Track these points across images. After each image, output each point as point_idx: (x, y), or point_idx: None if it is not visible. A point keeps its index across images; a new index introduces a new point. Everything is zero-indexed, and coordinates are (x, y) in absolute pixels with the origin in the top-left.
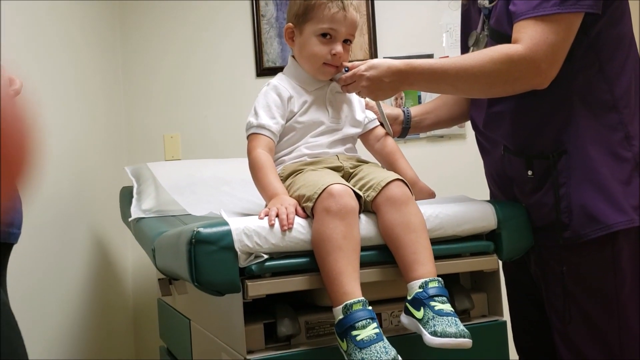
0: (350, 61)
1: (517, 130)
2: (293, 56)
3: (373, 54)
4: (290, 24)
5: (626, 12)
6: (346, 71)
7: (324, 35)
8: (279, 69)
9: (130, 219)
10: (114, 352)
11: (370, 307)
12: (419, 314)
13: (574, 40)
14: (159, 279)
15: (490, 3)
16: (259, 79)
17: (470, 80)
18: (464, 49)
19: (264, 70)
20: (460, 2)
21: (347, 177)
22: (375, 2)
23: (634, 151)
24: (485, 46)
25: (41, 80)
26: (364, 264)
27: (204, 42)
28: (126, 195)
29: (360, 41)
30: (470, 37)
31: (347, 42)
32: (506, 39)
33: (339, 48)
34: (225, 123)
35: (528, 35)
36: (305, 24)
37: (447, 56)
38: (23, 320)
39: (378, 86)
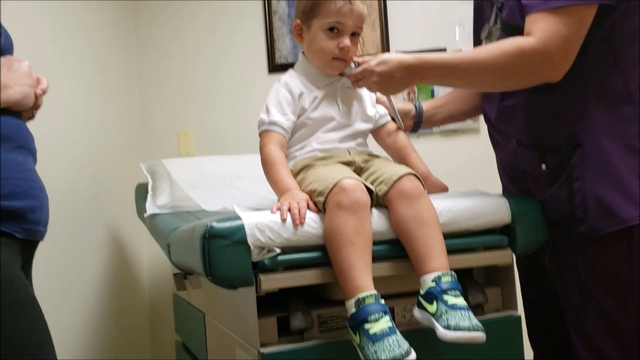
0: (360, 56)
1: (530, 124)
2: (303, 52)
3: (385, 48)
4: (299, 21)
5: None
6: (356, 66)
7: (331, 29)
8: (291, 66)
9: (145, 215)
10: (131, 346)
11: (382, 301)
12: (432, 308)
13: (587, 32)
14: (173, 274)
15: None
16: (271, 76)
17: (482, 74)
18: (477, 43)
19: (276, 67)
20: None
21: (359, 171)
22: None
23: None
24: (498, 39)
25: (59, 80)
26: (376, 258)
27: (216, 39)
28: (141, 192)
29: (372, 36)
30: (483, 30)
31: (355, 35)
32: (518, 32)
33: (346, 41)
34: (238, 119)
35: (540, 28)
36: (313, 19)
37: (461, 50)
38: None
39: (389, 81)
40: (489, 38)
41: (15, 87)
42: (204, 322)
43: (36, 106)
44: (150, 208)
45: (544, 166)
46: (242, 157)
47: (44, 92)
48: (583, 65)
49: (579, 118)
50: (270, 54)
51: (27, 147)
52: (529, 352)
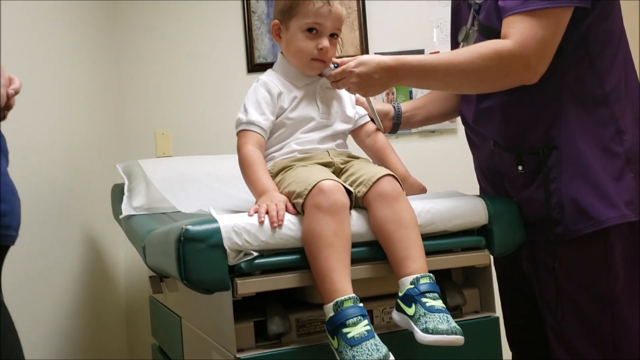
0: (339, 57)
1: (507, 126)
2: (282, 52)
3: (364, 49)
4: (277, 21)
5: (616, 7)
6: (335, 67)
7: (309, 30)
8: (270, 65)
9: (121, 217)
10: (107, 349)
11: (361, 304)
12: (411, 311)
13: (563, 35)
14: (150, 277)
15: None
16: (250, 75)
17: (459, 76)
18: (454, 45)
19: (255, 67)
20: None
21: (338, 172)
22: None
23: (625, 146)
24: (475, 42)
25: (34, 79)
26: (355, 260)
27: (195, 39)
28: (117, 193)
29: (351, 37)
30: (460, 32)
31: (333, 36)
32: (495, 34)
33: (325, 42)
34: (217, 119)
35: (517, 31)
36: (291, 19)
37: (438, 52)
38: (15, 318)
39: (368, 82)
40: (466, 40)
41: None
42: (181, 326)
43: (8, 107)
44: (126, 209)
45: (520, 168)
46: (221, 158)
47: (16, 92)
48: (559, 67)
49: (555, 120)
50: (249, 53)
51: None
52: (507, 353)
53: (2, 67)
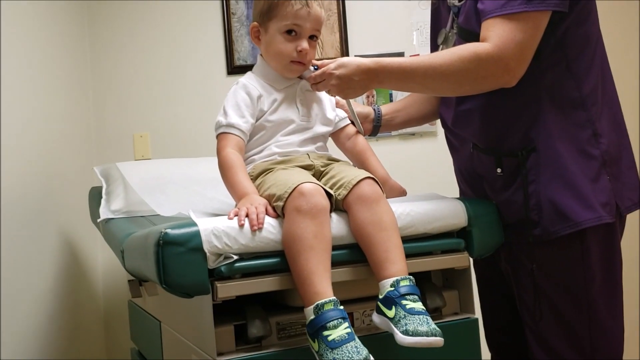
0: (319, 59)
1: (486, 128)
2: (261, 55)
3: (344, 52)
4: (256, 23)
5: (592, 11)
6: (315, 69)
7: (288, 32)
8: (250, 67)
9: (99, 220)
10: (85, 354)
11: (341, 307)
12: (391, 313)
13: (541, 38)
14: (128, 281)
15: (459, 1)
16: (229, 77)
17: (439, 79)
18: (434, 47)
19: (235, 69)
20: (430, 1)
21: (318, 175)
22: (346, 0)
23: (602, 148)
24: (454, 44)
25: (8, 81)
26: (335, 263)
27: (174, 40)
28: (95, 196)
29: (332, 39)
30: (440, 35)
31: (313, 38)
32: (475, 37)
33: (304, 44)
34: (196, 122)
35: (496, 34)
36: (270, 21)
37: (418, 54)
38: None
39: (348, 84)
40: (446, 43)
41: None
42: (160, 330)
43: None
44: (104, 213)
45: (499, 170)
46: (200, 161)
47: None
48: (537, 70)
49: (534, 122)
50: (228, 55)
51: None
52: (486, 354)
53: None
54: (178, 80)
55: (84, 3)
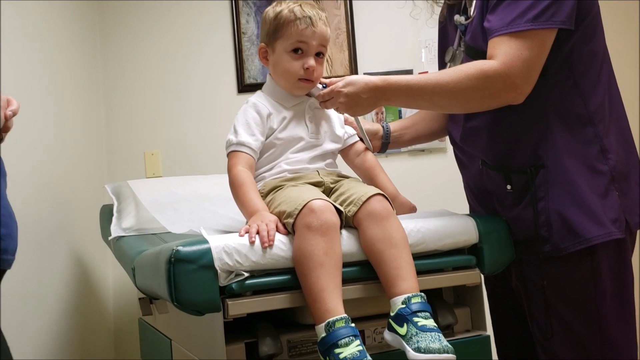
0: (328, 77)
1: (494, 145)
2: (270, 74)
3: (353, 70)
4: (263, 44)
5: (599, 28)
6: (324, 87)
7: (295, 50)
8: (260, 86)
9: (110, 238)
10: None
11: (353, 324)
12: (402, 330)
13: (548, 56)
14: (139, 298)
15: (466, 20)
16: (240, 96)
17: (446, 96)
18: (442, 65)
19: (245, 87)
20: (437, 19)
21: (328, 192)
22: (355, 18)
23: (610, 164)
24: (462, 62)
25: (21, 100)
26: (346, 280)
27: (185, 59)
28: (106, 214)
29: (341, 57)
30: (447, 53)
31: (319, 55)
32: (481, 55)
33: (311, 62)
34: (207, 140)
35: (502, 51)
36: (277, 42)
37: (427, 71)
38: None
39: (356, 102)
40: (453, 61)
41: None
42: (171, 348)
43: (5, 129)
44: (115, 230)
45: (509, 187)
46: (211, 178)
47: (14, 114)
48: (544, 87)
49: (542, 139)
50: (239, 74)
51: None
52: None
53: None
54: (189, 99)
55: (95, 22)
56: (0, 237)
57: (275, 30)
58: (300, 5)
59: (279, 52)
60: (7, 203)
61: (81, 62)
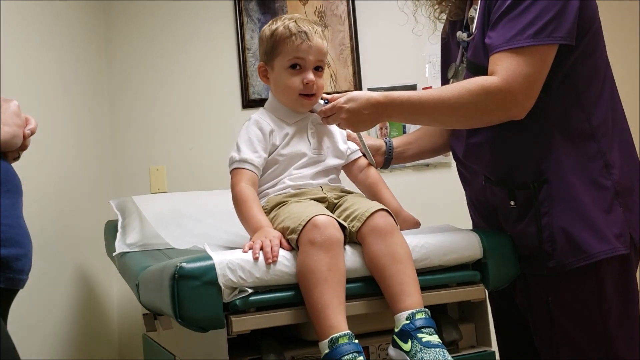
0: (330, 93)
1: (497, 161)
2: (272, 92)
3: (357, 85)
4: (262, 63)
5: (600, 43)
6: (326, 103)
7: (293, 66)
8: (265, 101)
9: (114, 254)
10: None
11: (356, 341)
12: (407, 346)
13: (549, 71)
14: (143, 314)
15: (468, 37)
16: (245, 111)
17: (448, 112)
18: (444, 81)
19: (250, 102)
20: (440, 36)
21: (332, 208)
22: (359, 34)
23: (614, 179)
24: (464, 78)
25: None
26: (349, 296)
27: (190, 74)
28: (111, 229)
29: (345, 73)
30: (450, 69)
31: (318, 69)
32: (483, 71)
33: (310, 76)
34: (212, 155)
35: (503, 67)
36: (275, 59)
37: (431, 87)
38: None
39: (357, 118)
40: (456, 77)
41: (4, 127)
42: None
43: (24, 147)
44: (120, 246)
45: (512, 202)
46: (215, 193)
47: (32, 132)
48: (546, 103)
49: (545, 154)
50: (244, 89)
51: (15, 190)
52: None
53: (19, 107)
54: (194, 114)
55: (101, 39)
56: (18, 257)
57: (272, 48)
58: (296, 21)
59: (278, 70)
60: (23, 222)
61: (87, 78)
